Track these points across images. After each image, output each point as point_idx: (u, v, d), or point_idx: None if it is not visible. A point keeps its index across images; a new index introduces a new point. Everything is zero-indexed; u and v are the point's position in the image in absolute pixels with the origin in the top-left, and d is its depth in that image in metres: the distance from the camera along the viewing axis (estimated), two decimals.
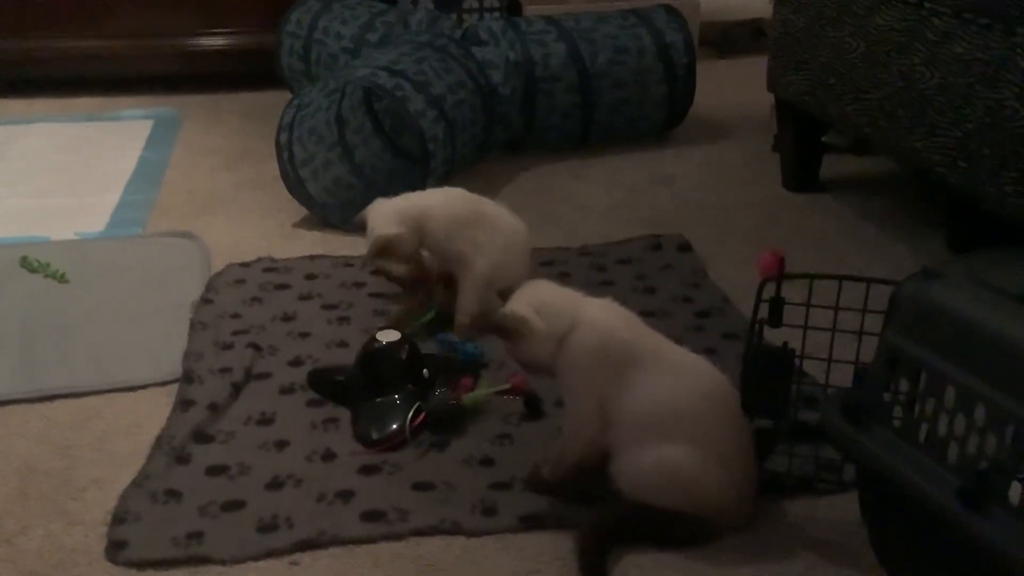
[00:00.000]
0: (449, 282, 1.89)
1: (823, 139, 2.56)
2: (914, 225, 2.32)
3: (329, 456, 1.55)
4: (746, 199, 2.50)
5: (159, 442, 1.57)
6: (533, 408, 1.65)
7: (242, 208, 2.46)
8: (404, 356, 1.69)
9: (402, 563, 1.35)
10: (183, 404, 1.67)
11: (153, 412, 1.66)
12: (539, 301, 1.41)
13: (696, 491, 1.34)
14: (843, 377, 1.35)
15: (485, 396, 1.65)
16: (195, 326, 1.89)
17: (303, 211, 2.38)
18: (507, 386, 1.66)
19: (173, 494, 1.46)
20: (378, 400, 1.64)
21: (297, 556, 1.36)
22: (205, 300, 1.99)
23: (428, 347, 1.80)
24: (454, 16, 2.95)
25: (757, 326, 1.40)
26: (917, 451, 1.15)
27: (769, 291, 1.44)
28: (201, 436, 1.58)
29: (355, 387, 1.67)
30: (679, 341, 1.46)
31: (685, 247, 2.21)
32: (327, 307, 1.99)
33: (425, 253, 1.90)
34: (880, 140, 2.16)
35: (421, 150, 2.30)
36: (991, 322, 1.09)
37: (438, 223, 1.83)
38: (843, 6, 2.17)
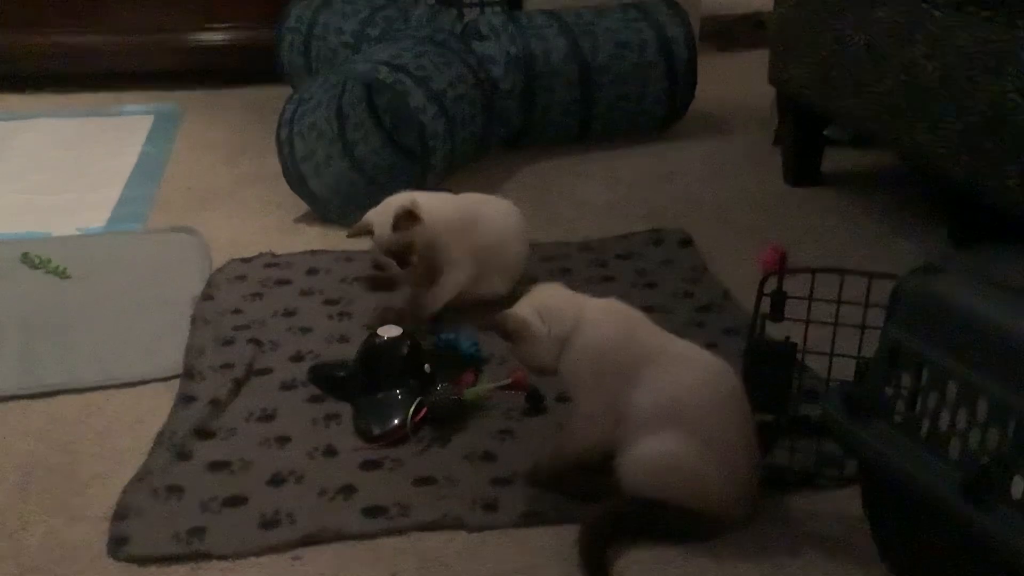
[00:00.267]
0: (429, 270, 1.90)
1: (824, 133, 2.55)
2: (916, 219, 2.31)
3: (330, 452, 1.55)
4: (747, 193, 2.49)
5: (160, 438, 1.57)
6: (535, 403, 1.65)
7: (243, 203, 2.46)
8: (405, 351, 1.68)
9: (404, 558, 1.35)
10: (184, 400, 1.67)
11: (154, 408, 1.66)
12: (542, 304, 1.42)
13: (698, 485, 1.34)
14: (845, 372, 1.35)
15: (487, 392, 1.65)
16: (196, 322, 1.89)
17: (304, 206, 2.38)
18: (508, 381, 1.66)
19: (175, 490, 1.46)
20: (379, 395, 1.63)
21: (299, 551, 1.36)
22: (206, 296, 1.99)
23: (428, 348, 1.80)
24: (454, 11, 2.95)
25: (759, 320, 1.39)
26: (919, 446, 1.15)
27: (771, 286, 1.44)
28: (202, 432, 1.58)
29: (356, 382, 1.67)
30: (680, 336, 1.45)
31: (686, 242, 2.21)
32: (328, 302, 1.99)
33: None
34: (882, 133, 2.16)
35: (421, 146, 2.30)
36: (993, 316, 1.09)
37: (436, 227, 1.85)
38: None
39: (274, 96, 2.93)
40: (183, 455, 1.53)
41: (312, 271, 2.11)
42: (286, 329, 1.89)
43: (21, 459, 1.55)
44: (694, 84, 2.80)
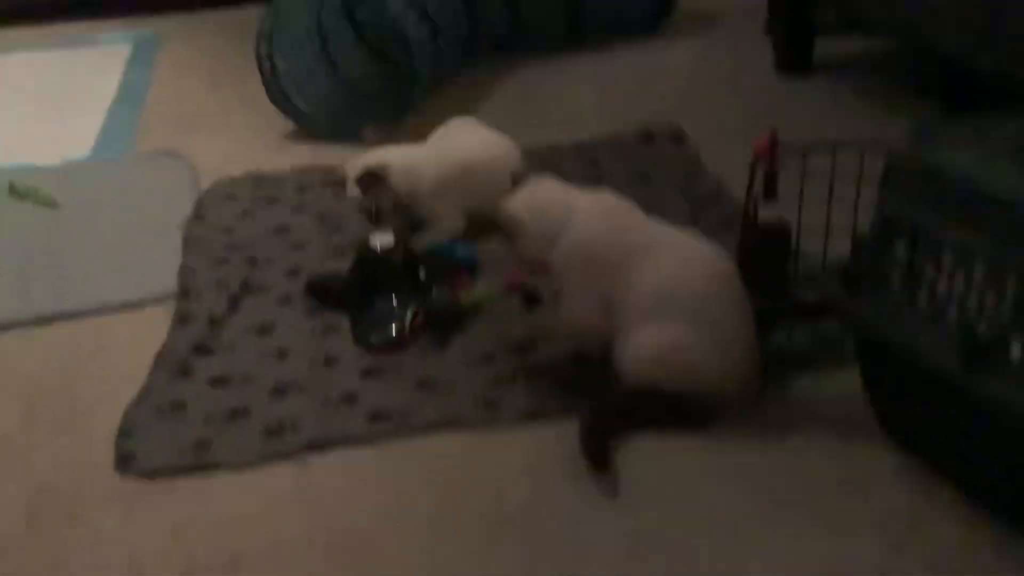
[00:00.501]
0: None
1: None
2: (909, 102, 2.28)
3: (331, 361, 1.55)
4: (739, 86, 2.45)
5: (160, 357, 1.57)
6: (532, 303, 1.64)
7: (228, 125, 2.42)
8: (399, 259, 1.67)
9: (408, 460, 1.36)
10: (182, 319, 1.66)
11: (152, 329, 1.65)
12: (534, 199, 1.41)
13: (696, 370, 1.34)
14: (842, 251, 1.34)
15: (485, 298, 1.65)
16: (188, 242, 1.87)
17: (290, 125, 2.34)
18: (503, 285, 1.65)
19: (178, 406, 1.46)
20: (376, 305, 1.63)
21: (305, 458, 1.37)
22: (196, 216, 1.97)
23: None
24: None
25: (752, 202, 1.38)
26: (917, 314, 1.14)
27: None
28: (202, 349, 1.58)
29: (352, 293, 1.66)
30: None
31: (678, 138, 2.18)
32: (320, 218, 1.97)
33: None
34: (872, 15, 2.11)
35: (405, 55, 2.25)
36: (987, 177, 1.07)
37: (428, 180, 1.81)
38: None
39: (253, 17, 2.86)
40: (184, 372, 1.53)
41: (302, 188, 2.09)
42: (279, 245, 1.87)
43: (23, 385, 1.56)
44: None
